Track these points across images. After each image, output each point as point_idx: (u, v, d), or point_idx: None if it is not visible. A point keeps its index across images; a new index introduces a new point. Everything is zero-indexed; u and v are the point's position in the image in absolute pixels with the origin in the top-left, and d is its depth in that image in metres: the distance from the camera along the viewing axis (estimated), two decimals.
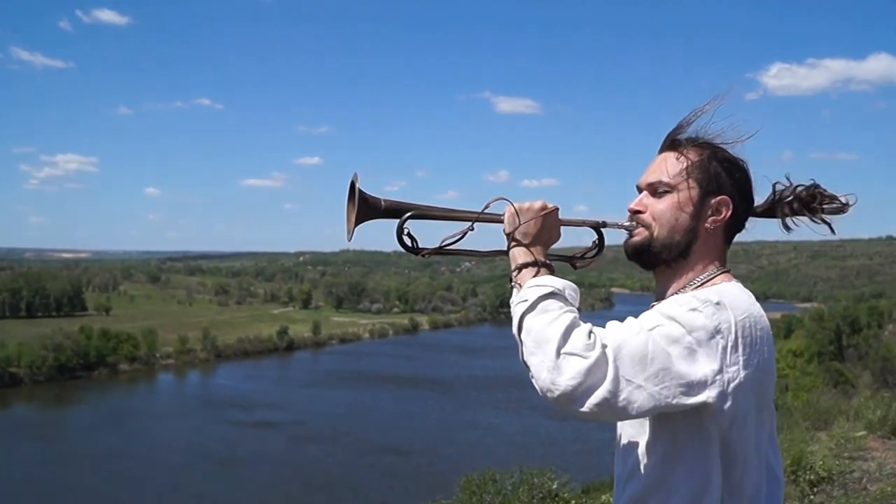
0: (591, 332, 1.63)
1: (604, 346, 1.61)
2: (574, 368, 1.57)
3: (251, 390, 63.65)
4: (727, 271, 1.82)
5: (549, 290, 1.70)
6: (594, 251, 2.00)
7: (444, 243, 1.89)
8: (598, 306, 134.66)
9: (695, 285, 1.79)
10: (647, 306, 1.76)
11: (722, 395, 1.61)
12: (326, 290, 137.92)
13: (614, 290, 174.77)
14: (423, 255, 1.91)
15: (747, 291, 1.76)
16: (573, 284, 1.76)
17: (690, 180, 1.81)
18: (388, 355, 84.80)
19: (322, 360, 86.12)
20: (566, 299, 1.71)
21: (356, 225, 1.86)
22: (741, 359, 1.63)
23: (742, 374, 1.63)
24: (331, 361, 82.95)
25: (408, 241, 1.87)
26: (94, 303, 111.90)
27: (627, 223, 1.88)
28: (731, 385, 1.62)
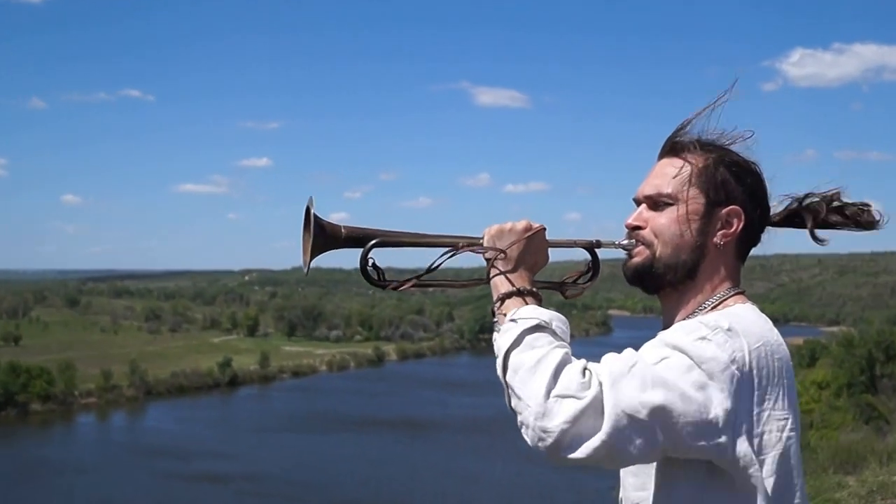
0: (585, 369, 1.65)
1: (600, 385, 1.62)
2: (567, 412, 1.60)
3: (188, 435, 63.00)
4: (741, 292, 1.86)
5: (534, 322, 1.74)
6: (588, 275, 2.06)
7: (415, 277, 1.96)
8: (594, 332, 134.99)
9: (705, 309, 1.83)
10: (651, 331, 1.80)
11: (738, 438, 1.63)
12: (277, 315, 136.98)
13: (612, 312, 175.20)
14: (392, 289, 1.98)
15: (763, 315, 1.80)
16: (561, 316, 1.79)
17: (694, 189, 1.86)
18: (349, 391, 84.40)
19: (272, 397, 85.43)
20: (555, 333, 1.74)
21: (313, 257, 1.93)
22: (758, 394, 1.66)
23: (760, 411, 1.66)
24: (282, 399, 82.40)
25: (373, 273, 1.94)
26: (0, 331, 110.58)
27: (625, 242, 1.93)
28: (749, 425, 1.65)
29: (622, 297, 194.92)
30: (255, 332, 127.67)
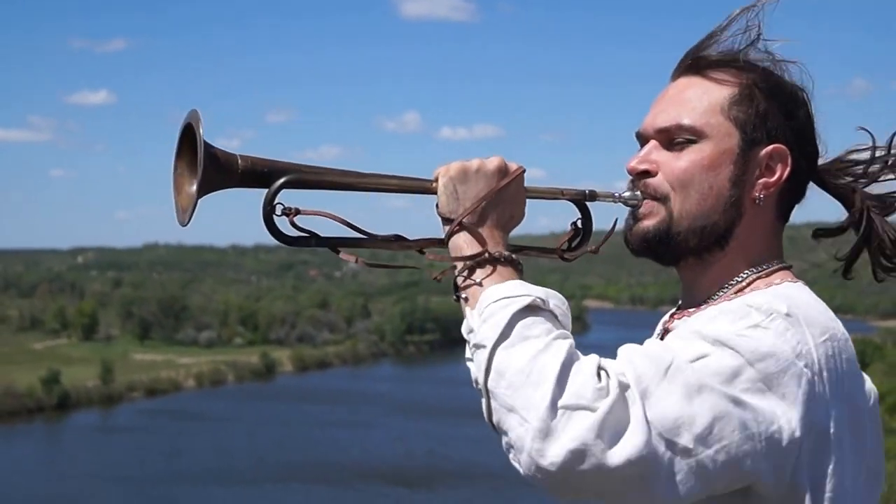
0: (600, 367, 1.63)
1: (622, 387, 1.60)
2: (578, 429, 1.56)
3: None
4: (787, 267, 1.90)
5: (526, 301, 1.70)
6: (577, 239, 2.05)
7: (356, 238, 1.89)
8: None
9: (737, 285, 1.86)
10: (643, 330, 1.83)
11: (802, 467, 1.65)
12: (123, 311, 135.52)
13: (589, 303, 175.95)
14: (312, 245, 1.91)
15: (820, 301, 1.82)
16: (558, 294, 1.79)
17: (726, 122, 1.86)
18: (227, 419, 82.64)
19: (118, 426, 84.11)
20: (553, 315, 1.74)
21: (199, 196, 1.84)
22: (831, 406, 1.67)
23: (830, 432, 1.67)
24: (132, 431, 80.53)
25: (284, 227, 1.88)
26: None
27: (628, 194, 1.93)
28: (820, 448, 1.66)
29: (602, 282, 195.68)
30: (93, 335, 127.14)
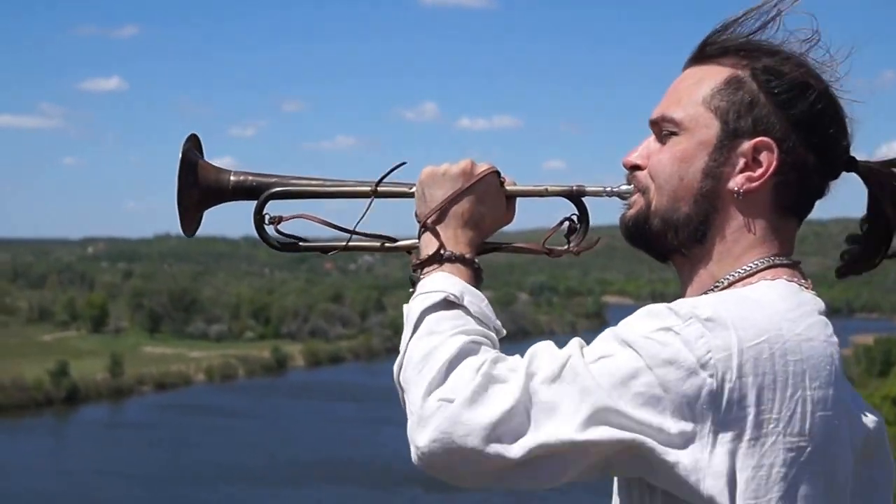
0: (483, 363, 1.69)
1: (492, 380, 1.66)
2: (440, 419, 1.65)
3: (3, 473, 61.69)
4: (780, 265, 1.81)
5: (439, 297, 1.80)
6: (575, 233, 2.06)
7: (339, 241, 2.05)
8: (583, 325, 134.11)
9: (719, 288, 1.81)
10: None
11: (701, 471, 1.60)
12: (133, 303, 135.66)
13: (608, 299, 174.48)
14: (299, 250, 2.10)
15: (798, 297, 1.74)
16: (476, 290, 1.86)
17: (708, 112, 1.82)
18: (237, 414, 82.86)
19: (127, 421, 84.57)
20: (467, 311, 1.80)
21: (190, 216, 2.06)
22: (752, 412, 1.59)
23: (757, 436, 1.60)
24: (141, 426, 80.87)
25: (272, 233, 2.07)
26: None
27: (624, 188, 1.95)
28: (720, 458, 1.59)
29: (622, 277, 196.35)
30: (102, 327, 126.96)
